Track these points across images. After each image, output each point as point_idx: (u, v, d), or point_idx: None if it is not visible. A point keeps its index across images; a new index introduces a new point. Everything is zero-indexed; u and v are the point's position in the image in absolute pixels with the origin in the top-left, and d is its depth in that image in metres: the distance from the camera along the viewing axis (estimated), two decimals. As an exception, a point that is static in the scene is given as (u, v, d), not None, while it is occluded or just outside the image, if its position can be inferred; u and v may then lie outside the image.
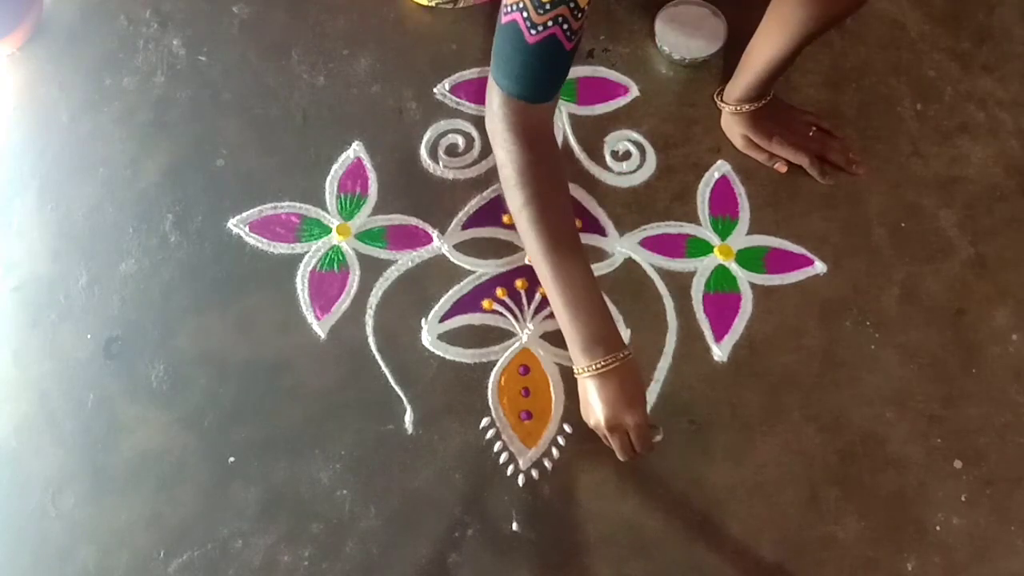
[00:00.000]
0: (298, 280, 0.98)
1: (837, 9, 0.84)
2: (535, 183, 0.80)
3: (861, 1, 0.83)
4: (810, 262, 0.99)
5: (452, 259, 0.99)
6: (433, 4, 1.09)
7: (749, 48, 0.95)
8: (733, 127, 1.02)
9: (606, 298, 0.87)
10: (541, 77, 0.77)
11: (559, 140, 1.04)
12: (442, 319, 0.96)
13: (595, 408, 0.81)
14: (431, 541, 0.88)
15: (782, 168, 1.02)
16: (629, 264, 0.99)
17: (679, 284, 0.98)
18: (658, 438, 0.85)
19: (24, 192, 1.03)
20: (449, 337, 0.96)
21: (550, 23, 0.73)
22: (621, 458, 0.83)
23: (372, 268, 0.98)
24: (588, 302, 0.81)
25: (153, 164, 1.04)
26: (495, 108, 0.81)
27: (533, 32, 0.73)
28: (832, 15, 0.85)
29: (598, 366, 0.80)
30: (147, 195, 1.02)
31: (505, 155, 0.81)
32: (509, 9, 0.74)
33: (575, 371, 0.83)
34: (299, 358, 0.95)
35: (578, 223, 1.00)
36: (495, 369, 0.94)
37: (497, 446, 0.91)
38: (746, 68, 0.97)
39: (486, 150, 1.04)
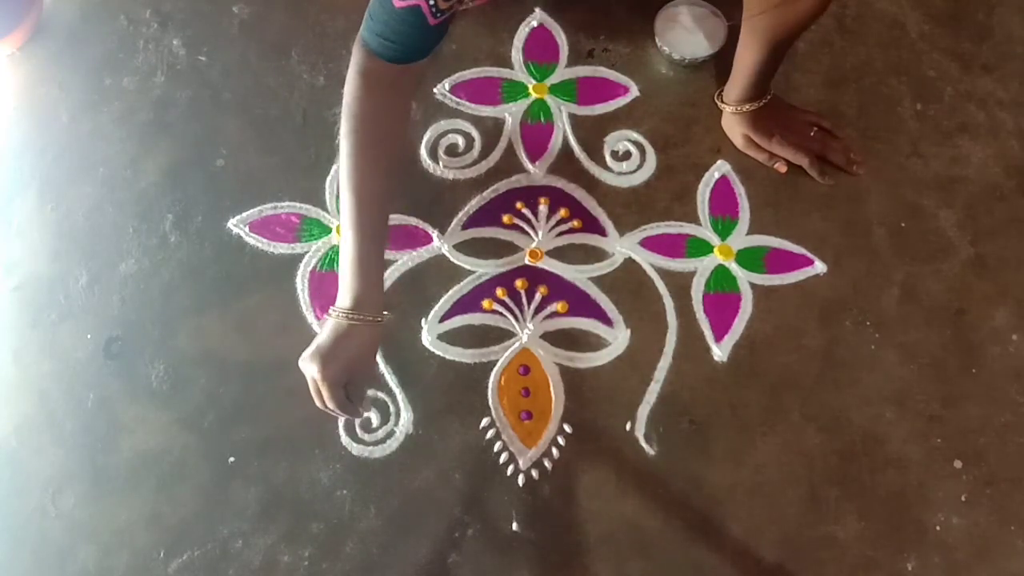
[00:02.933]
0: (298, 280, 0.98)
1: (797, 17, 0.86)
2: (360, 121, 0.81)
3: (821, 9, 0.85)
4: (810, 262, 0.99)
5: (452, 259, 0.99)
6: None
7: (737, 51, 0.96)
8: (734, 127, 1.03)
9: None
10: (399, 41, 0.79)
11: (558, 140, 1.05)
12: (442, 319, 0.96)
13: (312, 343, 0.81)
14: (431, 541, 0.88)
15: (782, 168, 1.02)
16: (629, 264, 0.99)
17: (679, 284, 0.98)
18: (360, 416, 0.89)
19: (24, 192, 1.03)
20: (449, 337, 0.96)
21: None
22: (328, 408, 0.82)
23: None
24: (367, 255, 0.81)
25: (153, 164, 1.04)
26: (353, 52, 0.82)
27: None
28: (794, 22, 0.87)
29: (339, 314, 0.80)
30: (147, 195, 1.02)
31: (346, 89, 0.82)
32: None
33: (330, 312, 0.82)
34: (299, 358, 0.94)
35: (578, 223, 1.00)
36: (495, 369, 0.94)
37: (497, 446, 0.91)
38: (737, 70, 0.98)
39: (486, 150, 1.04)
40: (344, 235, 0.81)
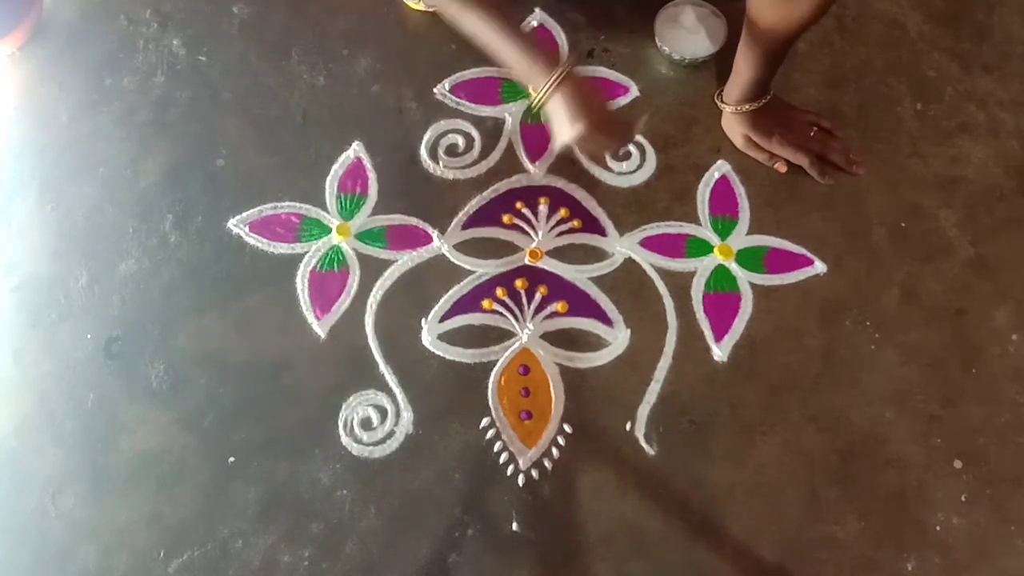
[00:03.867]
0: (298, 280, 0.98)
1: (800, 13, 0.85)
2: None
3: (825, 7, 0.84)
4: (810, 262, 0.99)
5: (452, 259, 0.99)
6: (425, 8, 1.10)
7: (738, 51, 0.96)
8: (734, 127, 1.03)
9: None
10: None
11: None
12: (442, 319, 0.96)
13: (556, 133, 0.84)
14: (431, 541, 0.88)
15: (782, 168, 1.02)
16: (629, 264, 0.99)
17: (679, 284, 0.98)
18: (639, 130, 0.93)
19: (24, 192, 1.03)
20: (449, 337, 0.96)
21: None
22: (621, 143, 0.89)
23: (372, 268, 0.98)
24: (518, 39, 0.84)
25: (153, 164, 1.04)
26: None
27: None
28: (797, 19, 0.86)
29: (546, 85, 0.82)
30: (147, 195, 1.02)
31: None
32: None
33: (536, 99, 0.84)
34: (299, 358, 0.95)
35: (578, 223, 1.00)
36: (495, 369, 0.94)
37: (497, 446, 0.91)
38: (738, 70, 0.98)
39: (486, 150, 1.04)
40: (489, 39, 0.84)
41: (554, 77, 0.82)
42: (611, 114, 0.86)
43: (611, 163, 1.03)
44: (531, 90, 0.85)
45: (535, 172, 1.03)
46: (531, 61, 0.83)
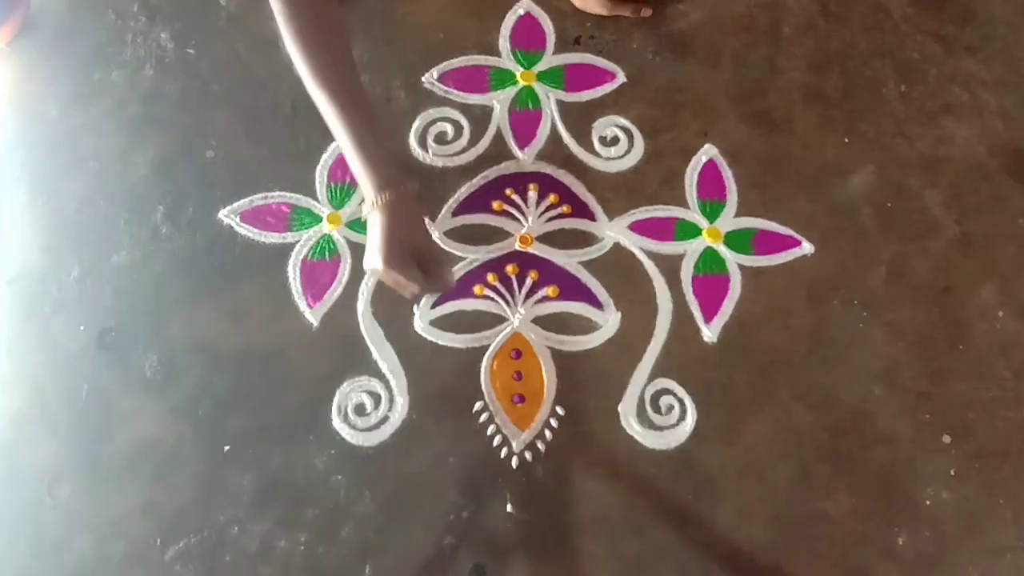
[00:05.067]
0: (290, 269, 0.98)
1: None
2: (301, 20, 0.84)
3: None
4: (797, 243, 1.00)
5: (443, 246, 0.99)
6: None
7: None
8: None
9: None
10: None
11: (547, 127, 1.06)
12: (434, 305, 0.97)
13: (367, 248, 0.81)
14: (426, 524, 0.89)
15: (647, 12, 1.08)
16: (618, 248, 1.00)
17: (668, 267, 0.99)
18: (453, 285, 0.87)
19: (15, 186, 1.03)
20: (441, 323, 0.96)
21: None
22: (416, 290, 0.81)
23: (363, 256, 0.99)
24: (365, 138, 0.82)
25: (143, 156, 1.04)
26: None
27: None
28: None
29: (372, 204, 0.80)
30: (138, 187, 1.03)
31: (274, 6, 0.84)
32: None
33: (364, 213, 0.82)
34: (292, 346, 0.95)
35: (567, 208, 1.01)
36: (487, 354, 0.95)
37: (490, 429, 0.92)
38: None
39: (475, 138, 1.05)
40: (337, 134, 0.82)
41: (376, 200, 0.79)
42: (418, 260, 0.81)
43: (599, 148, 1.04)
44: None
45: (524, 159, 1.04)
46: (368, 169, 0.80)
